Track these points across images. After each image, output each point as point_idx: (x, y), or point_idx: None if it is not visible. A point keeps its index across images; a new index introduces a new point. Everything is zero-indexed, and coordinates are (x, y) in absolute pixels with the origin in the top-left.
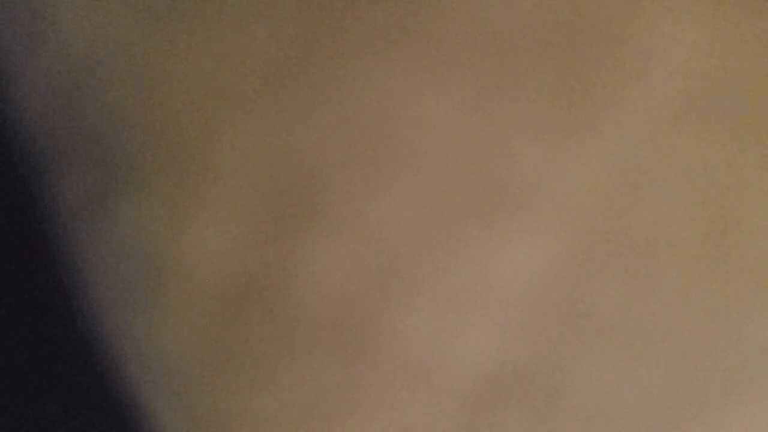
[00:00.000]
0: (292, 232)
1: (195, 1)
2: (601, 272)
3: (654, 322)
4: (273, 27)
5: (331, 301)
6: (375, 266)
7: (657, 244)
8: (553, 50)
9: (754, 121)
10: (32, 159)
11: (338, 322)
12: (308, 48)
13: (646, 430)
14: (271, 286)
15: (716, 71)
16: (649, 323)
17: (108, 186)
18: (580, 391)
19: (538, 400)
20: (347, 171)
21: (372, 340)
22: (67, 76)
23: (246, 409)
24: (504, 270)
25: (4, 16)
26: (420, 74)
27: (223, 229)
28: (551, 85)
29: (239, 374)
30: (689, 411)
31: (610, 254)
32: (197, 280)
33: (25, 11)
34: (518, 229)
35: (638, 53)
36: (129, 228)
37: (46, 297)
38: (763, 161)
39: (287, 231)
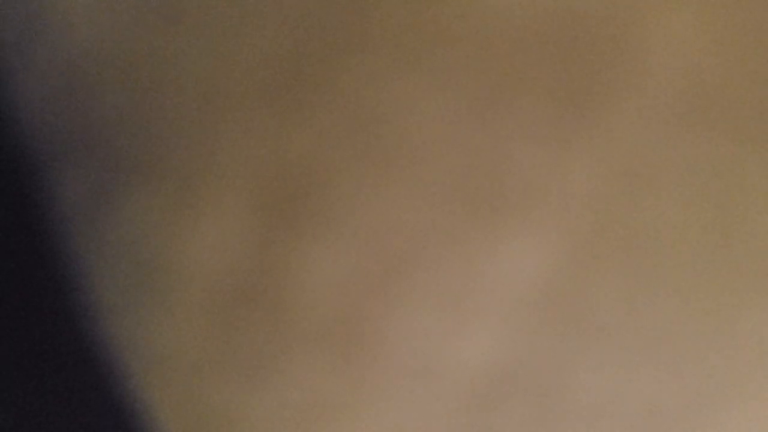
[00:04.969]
0: (292, 233)
1: (195, 1)
2: (601, 273)
3: (654, 323)
4: (273, 27)
5: (331, 301)
6: (375, 267)
7: (657, 245)
8: (553, 51)
9: (754, 120)
10: (33, 158)
11: (338, 323)
12: (308, 49)
13: (645, 430)
14: (271, 286)
15: (716, 71)
16: (648, 323)
17: (108, 186)
18: (580, 391)
19: (538, 400)
20: (347, 172)
21: (372, 340)
22: (67, 75)
23: (245, 408)
24: (504, 270)
25: (3, 15)
26: (420, 76)
27: (223, 229)
28: (551, 86)
29: (239, 374)
30: (689, 411)
31: (610, 255)
32: (197, 280)
33: (25, 10)
34: (518, 230)
35: (638, 54)
36: (129, 228)
37: (47, 296)
38: (764, 161)
39: (287, 231)
